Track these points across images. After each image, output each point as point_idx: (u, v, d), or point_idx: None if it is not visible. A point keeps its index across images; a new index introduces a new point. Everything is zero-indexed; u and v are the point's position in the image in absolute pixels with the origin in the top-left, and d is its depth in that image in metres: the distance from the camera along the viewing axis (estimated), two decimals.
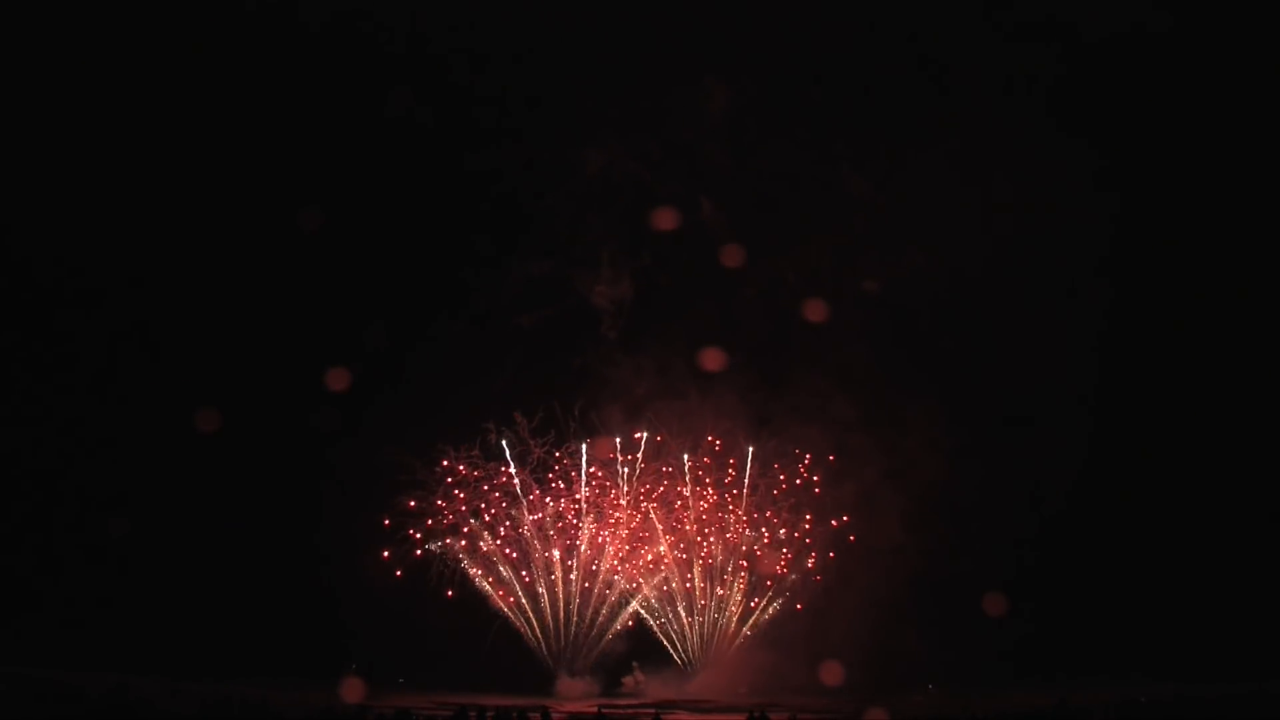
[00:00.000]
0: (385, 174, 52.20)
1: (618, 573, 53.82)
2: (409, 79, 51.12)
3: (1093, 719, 32.78)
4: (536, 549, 53.08)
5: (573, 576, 53.16)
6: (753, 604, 54.70)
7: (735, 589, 54.68)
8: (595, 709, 40.06)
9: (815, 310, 52.08)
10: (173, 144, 49.88)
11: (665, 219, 52.33)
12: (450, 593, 51.53)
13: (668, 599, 54.50)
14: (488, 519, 52.69)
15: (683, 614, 54.38)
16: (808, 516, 54.11)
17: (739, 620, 54.63)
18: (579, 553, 53.25)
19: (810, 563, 54.14)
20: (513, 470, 52.74)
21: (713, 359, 51.29)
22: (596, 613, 53.43)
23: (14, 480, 46.36)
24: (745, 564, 54.56)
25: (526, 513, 53.02)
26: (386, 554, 50.28)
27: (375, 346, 50.70)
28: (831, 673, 47.64)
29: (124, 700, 35.76)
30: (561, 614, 52.94)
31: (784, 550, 54.29)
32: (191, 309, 50.81)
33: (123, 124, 48.96)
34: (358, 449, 49.94)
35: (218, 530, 48.48)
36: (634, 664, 53.80)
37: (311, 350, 50.12)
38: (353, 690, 41.61)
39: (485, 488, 52.57)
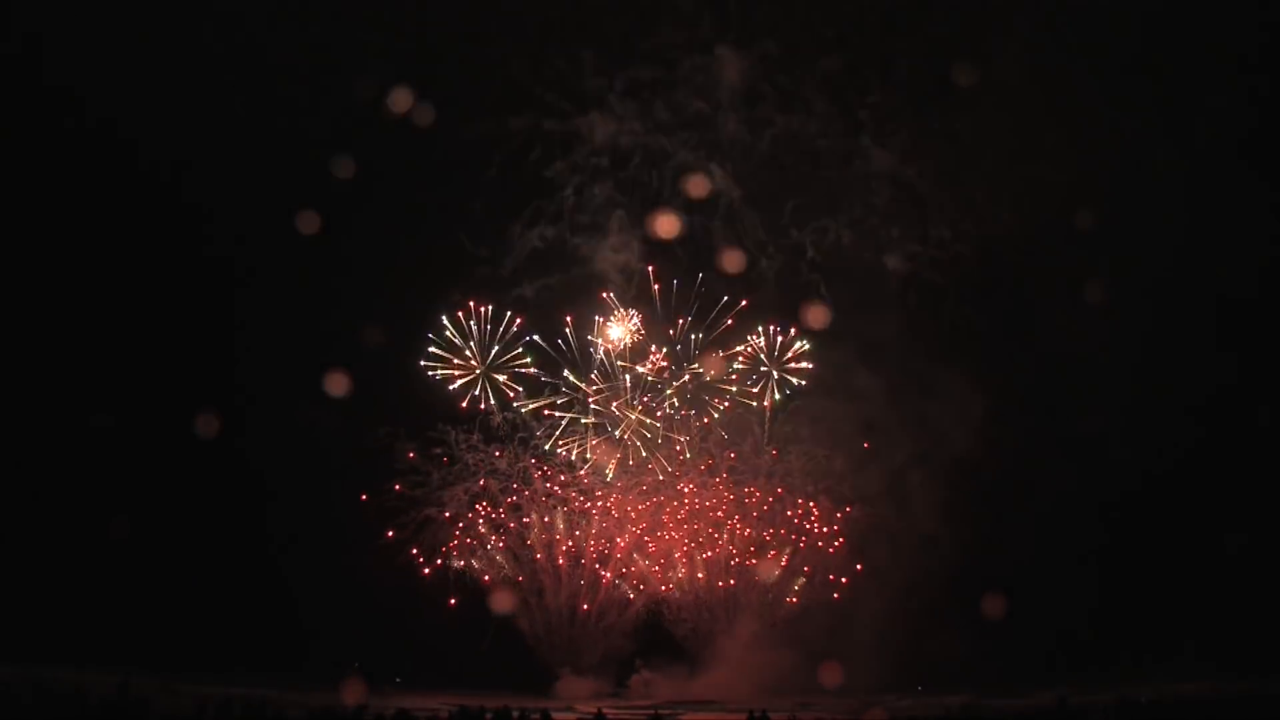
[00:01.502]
0: (382, 147, 53.12)
1: (625, 565, 55.22)
2: (408, 46, 52.76)
3: (1092, 719, 34.22)
4: (540, 540, 54.63)
5: (578, 570, 54.73)
6: (767, 598, 55.85)
7: (749, 582, 55.82)
8: (595, 710, 41.44)
9: (836, 284, 54.16)
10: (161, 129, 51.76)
11: (678, 187, 54.30)
12: (451, 589, 53.41)
13: (676, 593, 55.70)
14: (490, 512, 54.34)
15: (692, 610, 55.58)
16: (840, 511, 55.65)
17: (752, 616, 55.58)
18: (585, 545, 54.80)
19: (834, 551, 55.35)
20: (515, 456, 54.59)
21: (728, 332, 54.07)
22: (602, 608, 54.88)
23: (13, 479, 48.38)
24: (757, 560, 55.87)
25: (530, 502, 54.67)
26: (386, 549, 52.31)
27: (371, 329, 52.34)
28: (842, 672, 49.35)
29: (124, 700, 37.81)
30: (565, 609, 54.52)
31: (797, 542, 55.70)
32: (182, 299, 52.56)
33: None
34: (353, 438, 51.92)
35: (216, 529, 50.39)
36: (637, 662, 55.12)
37: (303, 337, 52.07)
38: (353, 690, 43.58)
39: (483, 475, 54.42)
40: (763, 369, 55.64)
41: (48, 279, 50.70)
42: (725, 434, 56.02)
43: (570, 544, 55.01)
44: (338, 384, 51.05)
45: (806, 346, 55.79)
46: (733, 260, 54.42)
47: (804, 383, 55.55)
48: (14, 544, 47.52)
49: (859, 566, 54.92)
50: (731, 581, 55.83)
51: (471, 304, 54.71)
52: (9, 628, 44.11)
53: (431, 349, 54.59)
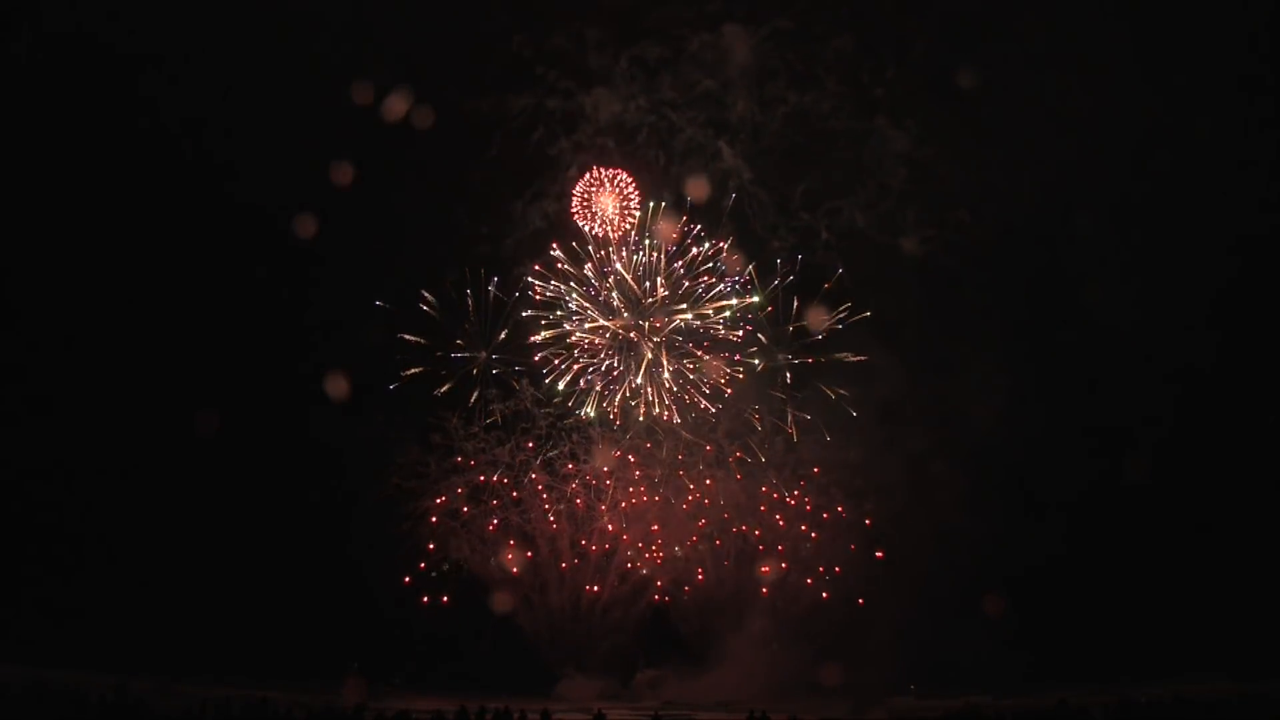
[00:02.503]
0: (382, 128, 54.08)
1: (631, 561, 56.11)
2: (410, 26, 53.50)
3: (1092, 719, 35.43)
4: (542, 535, 55.65)
5: (582, 566, 55.80)
6: (777, 595, 56.43)
7: (758, 578, 56.40)
8: (596, 711, 42.26)
9: (850, 267, 55.10)
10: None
11: (687, 168, 55.53)
12: (451, 586, 54.56)
13: (683, 590, 56.56)
14: (491, 505, 55.48)
15: (699, 607, 56.34)
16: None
17: (761, 613, 56.14)
18: (589, 540, 55.86)
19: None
20: (517, 446, 55.59)
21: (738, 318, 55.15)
22: (607, 605, 55.86)
23: (12, 479, 49.78)
24: (767, 555, 56.58)
25: (532, 495, 55.68)
26: (384, 545, 53.42)
27: (367, 316, 54.14)
28: (854, 672, 50.54)
29: (123, 701, 39.42)
30: (568, 607, 55.48)
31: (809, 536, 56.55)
32: (178, 293, 53.85)
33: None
34: (350, 429, 52.94)
35: (214, 528, 51.63)
36: (641, 661, 56.00)
37: (299, 327, 53.37)
38: (353, 690, 45.50)
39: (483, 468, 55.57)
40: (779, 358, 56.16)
41: (52, 281, 52.42)
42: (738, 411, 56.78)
43: (573, 538, 56.06)
44: (335, 375, 52.43)
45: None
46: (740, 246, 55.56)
47: (844, 396, 55.36)
48: (14, 544, 48.94)
49: (873, 560, 55.78)
50: (741, 578, 56.68)
51: (467, 272, 55.30)
52: (9, 628, 45.61)
53: (414, 337, 55.22)
